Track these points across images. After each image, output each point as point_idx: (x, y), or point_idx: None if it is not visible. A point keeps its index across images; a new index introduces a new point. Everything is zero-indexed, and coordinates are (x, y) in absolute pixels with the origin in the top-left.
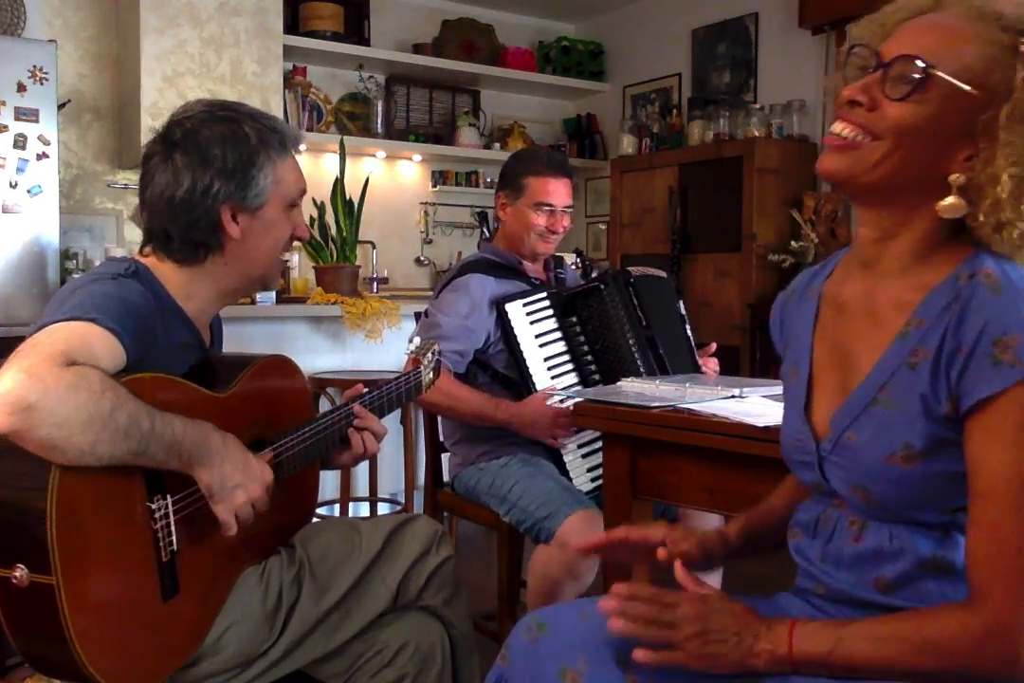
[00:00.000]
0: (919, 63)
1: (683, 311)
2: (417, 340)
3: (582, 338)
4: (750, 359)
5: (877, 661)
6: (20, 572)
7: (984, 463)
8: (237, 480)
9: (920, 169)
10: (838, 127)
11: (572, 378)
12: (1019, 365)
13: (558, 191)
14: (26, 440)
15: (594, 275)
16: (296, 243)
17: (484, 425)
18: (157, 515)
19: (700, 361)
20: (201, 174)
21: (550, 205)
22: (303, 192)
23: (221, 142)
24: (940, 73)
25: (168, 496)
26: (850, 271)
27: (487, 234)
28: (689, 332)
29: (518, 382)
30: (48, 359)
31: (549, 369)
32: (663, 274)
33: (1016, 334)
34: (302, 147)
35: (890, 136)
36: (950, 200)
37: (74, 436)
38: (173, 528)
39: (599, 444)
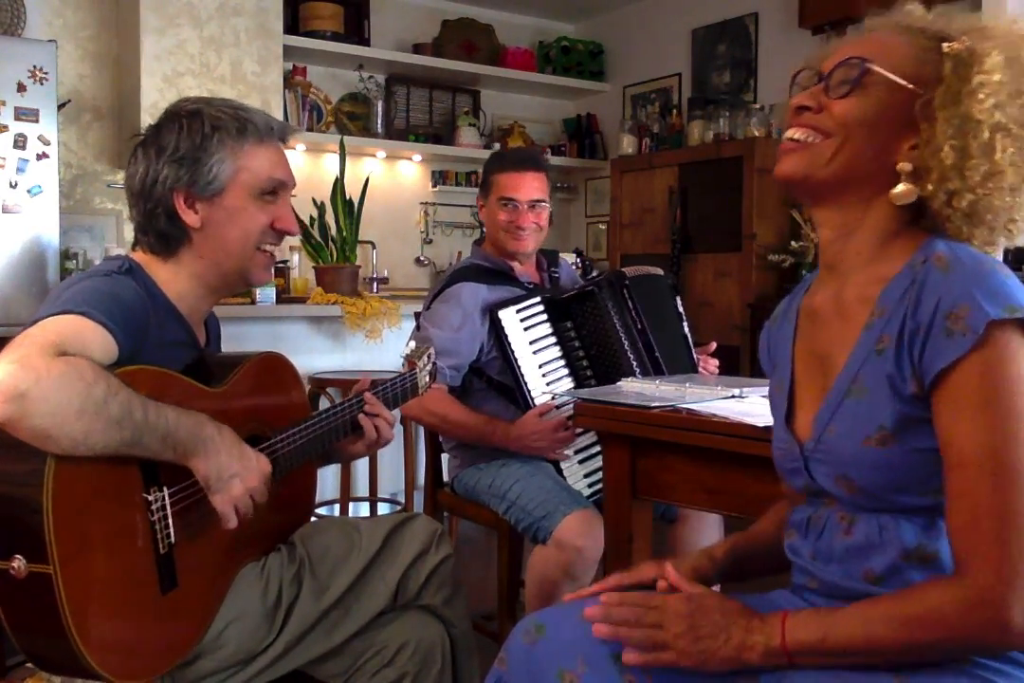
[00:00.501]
0: (855, 63)
1: (680, 309)
2: (412, 343)
3: (577, 343)
4: (750, 359)
5: (871, 641)
6: (18, 563)
7: (953, 435)
8: (234, 470)
9: (870, 161)
10: (790, 132)
11: (567, 383)
12: (970, 333)
13: (521, 185)
14: (19, 429)
15: (592, 275)
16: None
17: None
18: (154, 507)
19: (699, 361)
20: (154, 163)
21: (511, 199)
22: (278, 181)
23: (177, 132)
24: (875, 67)
25: (165, 488)
26: (821, 280)
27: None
28: (687, 330)
29: (513, 388)
30: (40, 350)
31: (544, 375)
32: (660, 272)
33: (965, 305)
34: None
35: (839, 131)
36: (901, 187)
37: (67, 425)
38: (170, 520)
39: (595, 449)
